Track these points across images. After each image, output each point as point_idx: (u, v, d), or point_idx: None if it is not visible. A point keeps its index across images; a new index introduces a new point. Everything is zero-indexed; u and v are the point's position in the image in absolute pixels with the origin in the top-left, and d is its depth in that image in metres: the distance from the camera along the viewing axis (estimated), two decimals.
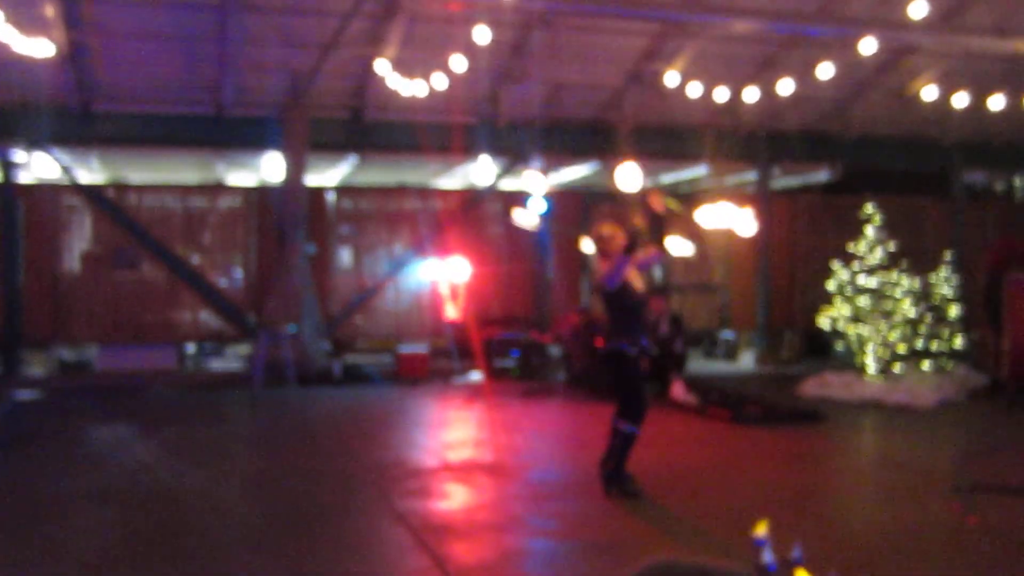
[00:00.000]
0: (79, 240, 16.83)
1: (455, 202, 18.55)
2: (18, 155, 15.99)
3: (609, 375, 8.53)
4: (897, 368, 14.69)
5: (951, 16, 14.48)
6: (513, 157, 17.71)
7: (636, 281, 8.22)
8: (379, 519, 7.55)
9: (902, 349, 14.73)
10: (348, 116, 16.89)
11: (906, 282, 14.90)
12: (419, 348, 16.94)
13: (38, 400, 14.52)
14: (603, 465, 8.18)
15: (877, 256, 14.98)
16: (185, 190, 17.87)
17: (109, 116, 16.11)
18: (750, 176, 19.95)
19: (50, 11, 13.28)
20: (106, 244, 16.91)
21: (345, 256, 18.09)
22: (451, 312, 16.04)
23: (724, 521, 7.37)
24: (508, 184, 19.08)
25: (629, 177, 8.91)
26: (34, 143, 15.96)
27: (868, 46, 13.71)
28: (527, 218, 16.61)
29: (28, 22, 12.18)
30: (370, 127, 16.85)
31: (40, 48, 12.28)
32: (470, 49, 13.82)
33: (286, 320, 16.02)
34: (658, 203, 8.24)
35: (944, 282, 15.69)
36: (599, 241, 8.32)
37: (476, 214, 18.54)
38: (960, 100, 16.22)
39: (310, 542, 6.92)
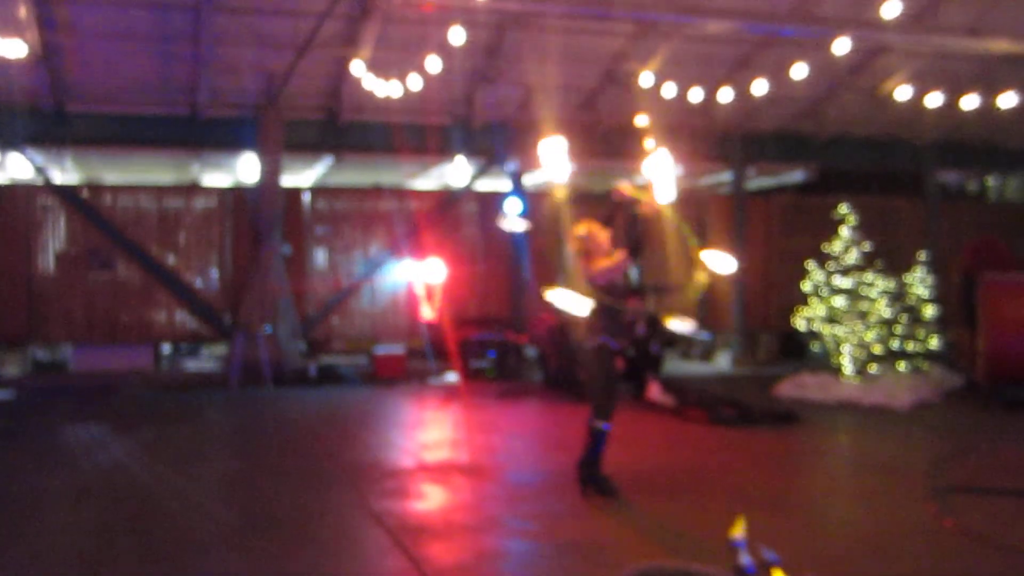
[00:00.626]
0: (54, 240, 16.74)
1: (430, 203, 18.54)
2: None
3: (587, 371, 8.53)
4: (873, 369, 14.78)
5: (924, 16, 14.57)
6: (488, 158, 17.72)
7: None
8: (356, 520, 7.54)
9: (878, 350, 14.82)
10: (323, 117, 16.87)
11: (881, 283, 14.98)
12: (395, 349, 16.92)
13: (13, 400, 14.40)
14: (581, 466, 8.20)
15: (852, 257, 15.06)
16: (160, 191, 17.80)
17: (83, 117, 16.03)
18: (725, 177, 20.04)
19: (23, 12, 13.19)
20: (81, 244, 16.84)
21: (321, 257, 18.06)
22: (427, 313, 16.03)
23: (701, 522, 7.39)
24: (483, 185, 19.10)
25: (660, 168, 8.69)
26: (8, 144, 15.87)
27: (842, 46, 13.82)
28: (514, 222, 16.60)
29: (2, 23, 12.10)
30: (345, 128, 16.82)
31: (14, 49, 12.23)
32: (445, 50, 13.84)
33: (262, 321, 15.98)
34: (625, 193, 8.27)
35: (919, 282, 15.77)
36: (580, 241, 8.33)
37: (452, 215, 18.54)
38: (934, 100, 16.35)
39: (287, 542, 6.91)
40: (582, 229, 8.38)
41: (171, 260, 17.25)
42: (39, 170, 16.88)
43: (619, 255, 8.30)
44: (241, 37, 14.51)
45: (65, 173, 19.71)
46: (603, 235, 8.29)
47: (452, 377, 16.13)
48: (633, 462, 9.45)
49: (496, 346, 16.47)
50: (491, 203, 18.48)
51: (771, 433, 11.51)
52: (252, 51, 14.95)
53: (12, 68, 13.66)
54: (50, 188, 16.88)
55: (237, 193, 17.86)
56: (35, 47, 13.79)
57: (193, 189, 18.79)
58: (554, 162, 8.79)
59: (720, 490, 8.58)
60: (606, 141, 17.74)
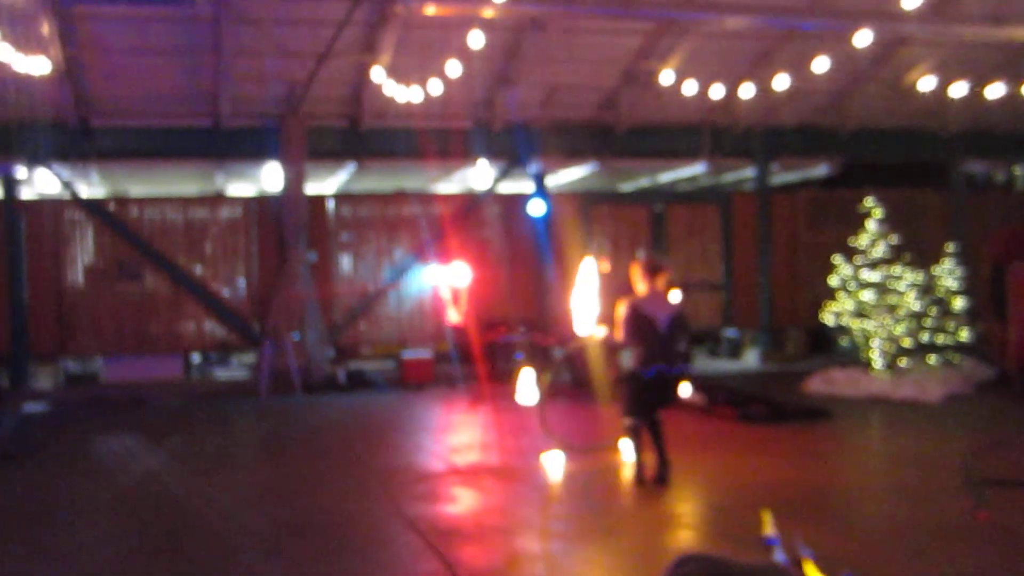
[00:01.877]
0: (82, 254, 16.87)
1: (454, 206, 18.56)
2: (20, 172, 16.05)
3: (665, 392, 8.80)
4: (903, 363, 14.67)
5: (946, 5, 14.48)
6: (511, 160, 17.74)
7: None
8: (388, 524, 7.56)
9: (907, 343, 14.71)
10: (345, 124, 16.93)
11: (909, 275, 14.87)
12: (423, 353, 16.94)
13: (46, 412, 14.55)
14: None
15: (879, 250, 14.95)
16: (186, 202, 17.90)
17: (108, 131, 16.17)
18: (748, 173, 19.97)
19: (47, 29, 13.32)
20: (109, 257, 16.96)
21: (346, 263, 18.12)
22: (453, 316, 16.02)
23: (733, 520, 7.37)
24: (506, 187, 19.11)
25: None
26: (35, 159, 16.02)
27: (863, 38, 13.72)
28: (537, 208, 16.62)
29: (25, 40, 12.21)
30: (367, 134, 16.88)
31: (38, 66, 12.32)
32: (464, 53, 13.84)
33: (290, 328, 16.07)
34: None
35: (948, 275, 15.65)
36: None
37: (475, 218, 18.56)
38: (958, 90, 16.20)
39: (320, 548, 6.94)
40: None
41: (198, 270, 17.35)
42: (66, 185, 17.03)
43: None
44: (262, 47, 14.59)
45: (91, 187, 19.89)
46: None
47: (480, 380, 16.12)
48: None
49: (523, 348, 16.46)
50: (514, 205, 18.48)
51: (802, 430, 11.46)
52: (273, 61, 15.02)
53: (36, 84, 13.77)
54: (77, 202, 17.02)
55: (262, 202, 17.94)
56: (58, 63, 13.93)
57: (218, 199, 18.90)
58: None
59: (753, 488, 8.54)
60: (627, 140, 17.73)
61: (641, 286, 8.73)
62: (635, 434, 8.64)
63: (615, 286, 9.76)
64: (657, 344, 8.52)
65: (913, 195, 19.89)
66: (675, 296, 8.97)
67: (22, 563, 6.76)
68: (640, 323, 8.56)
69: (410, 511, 7.85)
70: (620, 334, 8.67)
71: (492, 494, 8.70)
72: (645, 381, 8.55)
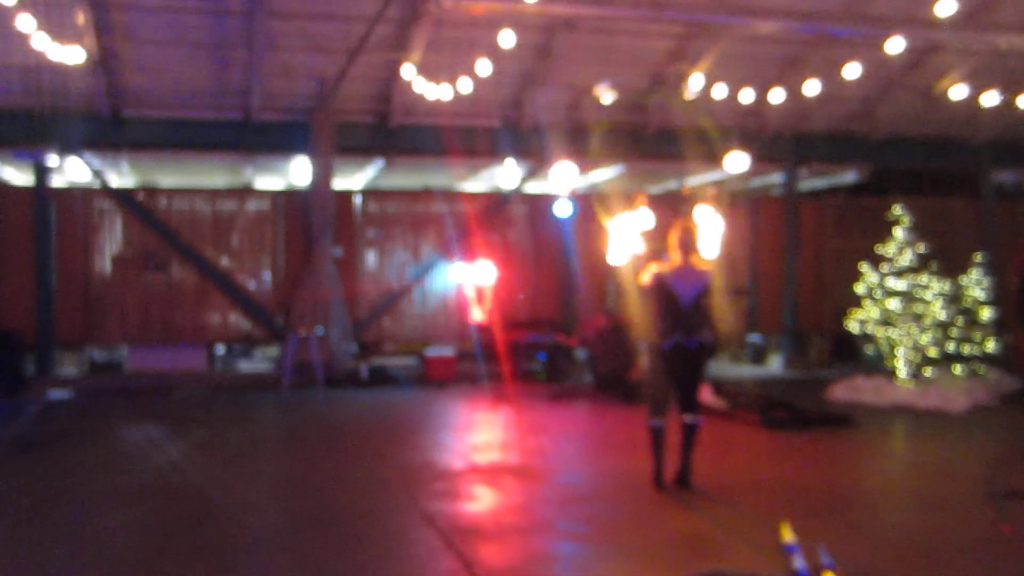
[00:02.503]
0: (110, 243, 16.99)
1: (480, 205, 18.58)
2: (51, 159, 16.17)
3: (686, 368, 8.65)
4: (928, 372, 14.58)
5: (979, 14, 14.38)
6: (538, 160, 17.74)
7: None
8: (408, 521, 7.58)
9: (933, 353, 14.61)
10: (374, 120, 16.96)
11: (936, 284, 14.77)
12: (446, 351, 16.98)
13: (70, 400, 14.67)
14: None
15: (906, 258, 14.86)
16: (214, 194, 17.99)
17: (139, 121, 16.26)
18: (776, 178, 19.90)
19: (81, 18, 13.43)
20: (137, 247, 17.07)
21: (372, 259, 18.17)
22: (477, 315, 16.05)
23: (754, 525, 7.35)
24: (533, 187, 19.11)
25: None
26: (66, 148, 16.13)
27: (895, 45, 13.64)
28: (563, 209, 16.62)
29: (60, 29, 12.32)
30: (396, 131, 16.91)
31: (72, 55, 12.42)
32: (495, 52, 13.84)
33: (314, 322, 16.13)
34: None
35: (975, 284, 15.54)
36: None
37: (501, 217, 18.57)
38: (989, 99, 16.07)
39: (339, 543, 6.97)
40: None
41: (224, 262, 17.44)
42: (96, 174, 17.15)
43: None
44: (293, 42, 14.66)
45: (121, 177, 20.02)
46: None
47: (502, 379, 16.14)
48: None
49: (546, 348, 16.48)
50: (541, 205, 18.49)
51: (824, 437, 11.41)
52: (304, 55, 15.10)
53: (70, 74, 13.90)
54: (107, 191, 17.14)
55: (289, 196, 18.01)
56: (92, 53, 14.03)
57: (246, 192, 18.98)
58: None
59: (774, 494, 8.52)
60: (655, 143, 17.69)
61: (675, 255, 8.68)
62: (658, 436, 8.60)
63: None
64: (677, 317, 8.51)
65: (942, 204, 19.77)
66: (703, 269, 8.84)
67: (43, 548, 6.82)
68: (661, 295, 8.58)
69: (429, 508, 7.87)
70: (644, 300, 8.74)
71: (512, 493, 8.72)
72: (664, 353, 8.52)
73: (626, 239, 9.42)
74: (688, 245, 8.67)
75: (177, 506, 8.05)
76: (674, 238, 8.71)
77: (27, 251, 16.35)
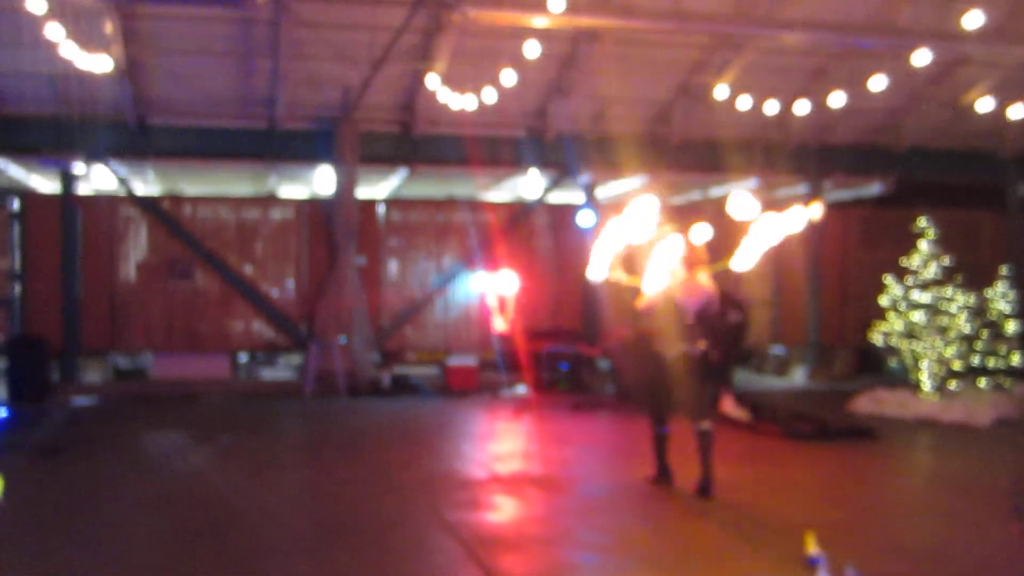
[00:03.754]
0: (135, 250, 17.08)
1: (503, 215, 18.59)
2: (77, 167, 16.29)
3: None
4: (952, 385, 14.48)
5: (1006, 25, 14.29)
6: (561, 171, 17.75)
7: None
8: (429, 530, 7.59)
9: (957, 366, 14.50)
10: (398, 129, 17.02)
11: (961, 297, 14.67)
12: (468, 360, 16.99)
13: (94, 406, 14.77)
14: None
15: (931, 271, 14.77)
16: (238, 202, 18.07)
17: (165, 130, 16.37)
18: (800, 190, 19.81)
19: (109, 28, 13.54)
20: (161, 254, 17.15)
21: (394, 268, 18.20)
22: (499, 325, 16.05)
23: (777, 537, 7.31)
24: (556, 197, 19.11)
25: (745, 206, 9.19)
26: (93, 156, 16.25)
27: (921, 58, 13.57)
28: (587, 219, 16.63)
29: (88, 39, 12.42)
30: (420, 140, 16.95)
31: (100, 64, 12.52)
32: (519, 63, 13.87)
33: (337, 331, 16.20)
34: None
35: (1001, 297, 15.43)
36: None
37: (524, 227, 18.57)
38: (1016, 111, 15.96)
39: (361, 551, 6.98)
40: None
41: (248, 270, 17.50)
42: (122, 181, 17.27)
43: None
44: (318, 51, 14.73)
45: (147, 185, 20.13)
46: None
47: (524, 389, 16.15)
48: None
49: (568, 358, 16.47)
50: (564, 216, 18.49)
51: (848, 449, 11.35)
52: (329, 65, 15.16)
53: (97, 82, 14.01)
54: (132, 199, 17.25)
55: (313, 205, 18.07)
56: (119, 62, 14.15)
57: (270, 200, 19.06)
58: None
59: (796, 506, 8.48)
60: (680, 154, 17.67)
61: (679, 270, 8.90)
62: (661, 442, 8.96)
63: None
64: (680, 328, 8.75)
65: (967, 216, 19.65)
66: (706, 282, 8.95)
67: (66, 555, 6.87)
68: (666, 307, 8.84)
69: (451, 517, 7.87)
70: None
71: (534, 503, 8.71)
72: (668, 362, 8.79)
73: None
74: (692, 260, 8.91)
75: (200, 513, 8.09)
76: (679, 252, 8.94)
77: (54, 258, 16.46)
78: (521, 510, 8.48)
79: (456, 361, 16.96)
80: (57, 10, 11.41)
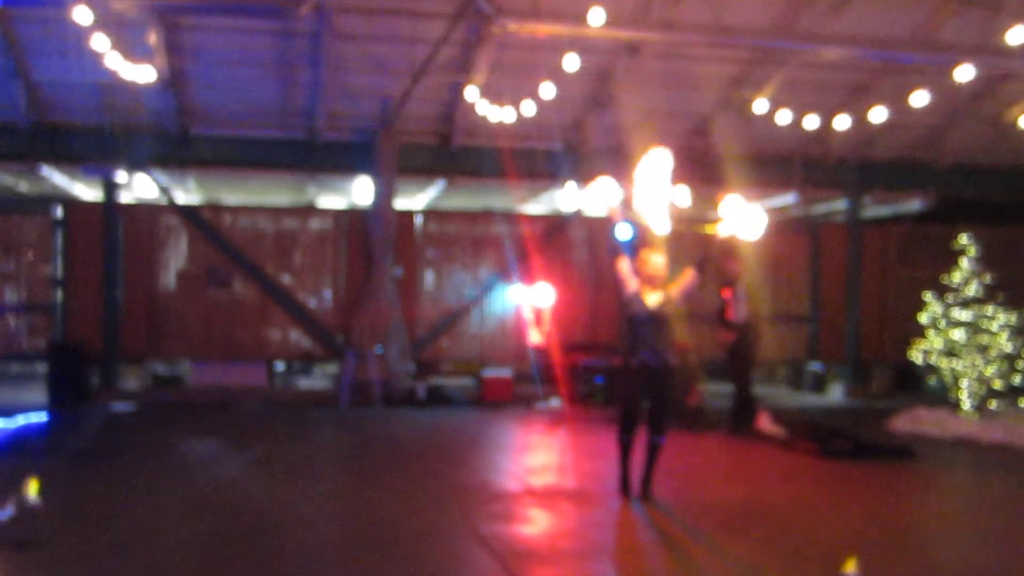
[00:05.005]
0: (175, 258, 17.26)
1: (540, 227, 18.60)
2: (120, 176, 16.48)
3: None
4: (993, 405, 14.30)
5: None
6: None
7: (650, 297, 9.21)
8: (463, 542, 7.58)
9: (998, 385, 14.32)
10: (436, 141, 17.10)
11: (1003, 316, 14.49)
12: (503, 372, 17.00)
13: (133, 412, 14.90)
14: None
15: (972, 289, 14.61)
16: (277, 212, 18.21)
17: (206, 139, 16.55)
18: (840, 205, 19.69)
19: (153, 38, 13.71)
20: (200, 263, 17.32)
21: (431, 279, 18.26)
22: (535, 337, 16.05)
23: (813, 558, 7.24)
24: (594, 210, 19.09)
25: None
26: (135, 165, 16.44)
27: (964, 73, 13.45)
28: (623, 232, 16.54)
29: (132, 49, 12.58)
30: (458, 152, 17.02)
31: (144, 74, 12.67)
32: (558, 76, 13.89)
33: (373, 341, 16.26)
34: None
35: None
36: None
37: (561, 239, 18.57)
38: None
39: (394, 561, 6.97)
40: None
41: (286, 280, 17.63)
42: (163, 190, 17.47)
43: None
44: (358, 63, 14.84)
45: (187, 193, 20.35)
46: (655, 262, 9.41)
47: (559, 402, 16.13)
48: (744, 495, 9.33)
49: (604, 372, 16.42)
50: (601, 228, 18.45)
51: (886, 468, 11.21)
52: (369, 76, 15.27)
53: (141, 92, 14.19)
54: (173, 208, 17.44)
55: (351, 215, 18.18)
56: (162, 72, 14.31)
57: (309, 210, 19.20)
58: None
59: (834, 526, 8.39)
60: (719, 168, 17.59)
61: (641, 283, 9.32)
62: (626, 448, 9.19)
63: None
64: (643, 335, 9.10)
65: (1010, 233, 19.42)
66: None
67: (103, 559, 6.91)
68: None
69: (485, 529, 7.86)
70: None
71: (567, 517, 8.68)
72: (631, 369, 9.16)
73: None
74: (650, 276, 9.28)
75: (236, 521, 8.12)
76: (643, 268, 9.38)
77: (95, 265, 16.67)
78: (555, 523, 8.45)
79: (491, 373, 16.97)
80: (102, 21, 11.56)
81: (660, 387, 9.06)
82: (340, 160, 17.00)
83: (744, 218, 8.87)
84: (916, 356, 15.05)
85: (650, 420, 9.13)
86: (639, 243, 9.84)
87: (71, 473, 10.07)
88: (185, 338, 17.30)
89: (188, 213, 17.48)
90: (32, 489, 7.24)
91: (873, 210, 20.54)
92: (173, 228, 17.31)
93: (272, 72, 15.41)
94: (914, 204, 19.87)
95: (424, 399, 16.32)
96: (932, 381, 15.22)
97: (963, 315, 14.53)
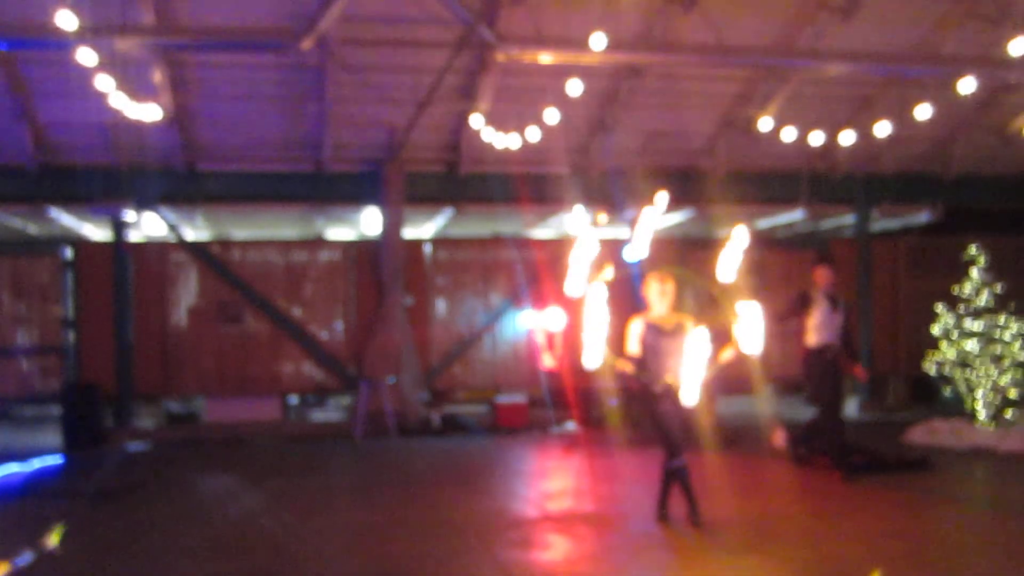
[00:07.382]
0: (186, 295, 17.29)
1: (550, 251, 18.61)
2: (128, 215, 16.54)
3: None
4: (1009, 414, 14.24)
5: None
6: (607, 206, 17.74)
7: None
8: (482, 570, 7.56)
9: (1013, 394, 14.27)
10: (443, 169, 17.13)
11: (1015, 324, 14.45)
12: (517, 398, 16.97)
13: (148, 451, 14.91)
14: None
15: (984, 298, 14.58)
16: (286, 245, 18.25)
17: (213, 175, 16.60)
18: (848, 219, 19.69)
19: (158, 76, 13.80)
20: (211, 298, 17.34)
21: (442, 307, 18.26)
22: (548, 361, 16.02)
23: (838, 573, 7.21)
24: (602, 233, 19.12)
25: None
26: (143, 203, 16.49)
27: (967, 86, 13.47)
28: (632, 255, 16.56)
29: (137, 88, 12.66)
30: (465, 179, 17.05)
31: (149, 112, 12.74)
32: (562, 100, 13.94)
33: (385, 371, 16.26)
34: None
35: None
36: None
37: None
38: None
39: None
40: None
41: (297, 312, 17.65)
42: (172, 227, 17.53)
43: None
44: (364, 94, 14.90)
45: (196, 230, 20.43)
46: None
47: (573, 425, 16.10)
48: (761, 510, 9.29)
49: (617, 394, 16.38)
50: (610, 250, 18.45)
51: (903, 481, 11.17)
52: (374, 107, 15.33)
53: (147, 130, 14.26)
54: (182, 244, 17.49)
55: (360, 246, 18.20)
56: (168, 109, 14.39)
57: (318, 243, 19.24)
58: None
59: (852, 540, 8.35)
60: (725, 186, 17.62)
61: (655, 306, 9.71)
62: (672, 476, 9.06)
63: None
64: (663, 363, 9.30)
65: (1019, 242, 19.38)
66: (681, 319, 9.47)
67: None
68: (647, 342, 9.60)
69: (503, 556, 7.84)
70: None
71: (585, 541, 8.66)
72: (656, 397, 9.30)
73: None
74: (659, 298, 9.52)
75: (253, 557, 8.12)
76: (653, 289, 9.60)
77: (106, 305, 16.71)
78: (573, 548, 8.43)
79: (505, 399, 16.95)
80: (107, 61, 11.65)
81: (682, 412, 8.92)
82: (348, 191, 17.05)
83: (751, 329, 8.56)
84: (930, 368, 15.01)
85: (668, 445, 9.04)
86: (646, 266, 9.80)
87: (86, 515, 10.07)
88: (198, 374, 17.31)
89: (197, 249, 17.53)
90: (55, 538, 7.24)
91: (881, 223, 20.53)
92: (183, 265, 17.35)
93: (277, 106, 15.48)
94: (922, 216, 19.85)
95: (439, 427, 16.31)
96: (947, 392, 15.15)
97: (975, 325, 14.51)
